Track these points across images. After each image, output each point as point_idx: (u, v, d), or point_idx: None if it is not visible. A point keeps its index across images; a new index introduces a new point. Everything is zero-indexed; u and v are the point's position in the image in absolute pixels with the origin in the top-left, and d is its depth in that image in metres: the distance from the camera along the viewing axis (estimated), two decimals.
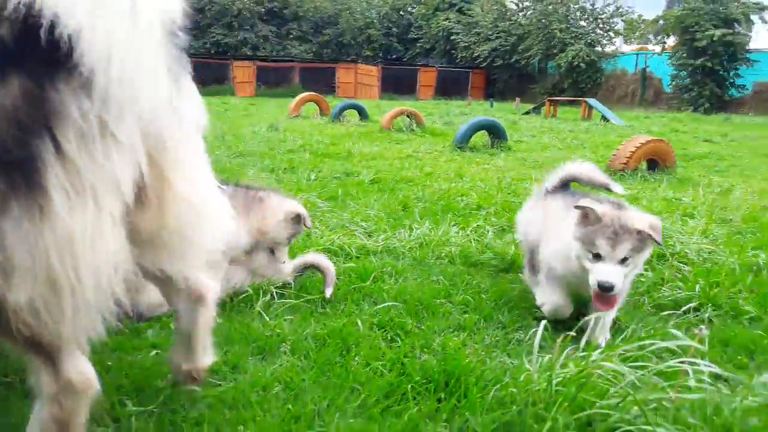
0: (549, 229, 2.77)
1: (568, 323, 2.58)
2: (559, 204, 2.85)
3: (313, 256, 3.11)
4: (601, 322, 2.46)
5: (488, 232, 4.12)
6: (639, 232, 2.29)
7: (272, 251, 3.03)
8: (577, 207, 2.43)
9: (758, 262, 3.48)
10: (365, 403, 1.90)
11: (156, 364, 2.03)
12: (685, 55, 28.06)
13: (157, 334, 2.33)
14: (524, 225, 3.11)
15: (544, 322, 2.08)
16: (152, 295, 2.37)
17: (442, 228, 4.17)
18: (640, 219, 2.35)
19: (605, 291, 2.31)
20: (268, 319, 2.54)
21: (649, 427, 1.55)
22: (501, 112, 21.96)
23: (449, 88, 38.18)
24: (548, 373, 1.81)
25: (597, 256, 2.34)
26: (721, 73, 27.55)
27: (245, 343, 2.31)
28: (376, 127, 13.27)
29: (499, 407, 1.84)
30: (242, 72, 35.28)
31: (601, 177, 3.11)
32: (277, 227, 2.98)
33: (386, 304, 2.77)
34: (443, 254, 3.72)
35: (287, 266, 3.03)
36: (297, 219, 3.07)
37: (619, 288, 2.32)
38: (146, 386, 1.90)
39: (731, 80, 27.93)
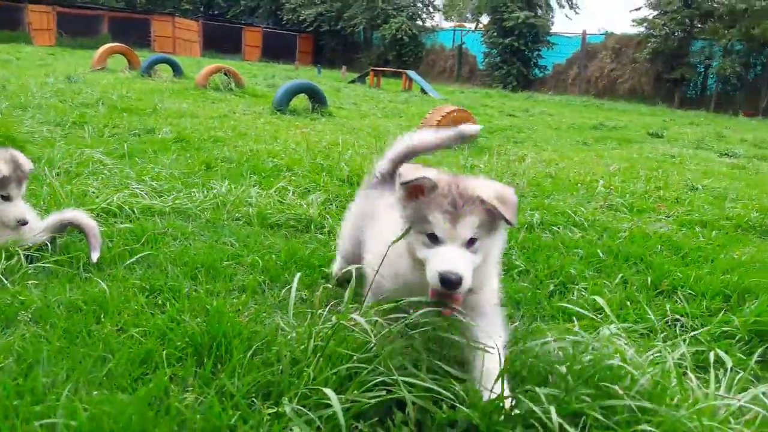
0: (375, 229, 2.09)
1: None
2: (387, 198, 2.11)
3: (71, 213, 2.75)
4: (486, 365, 1.64)
5: (290, 192, 4.01)
6: (482, 201, 1.68)
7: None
8: (403, 183, 1.75)
9: (532, 221, 3.80)
10: (112, 372, 1.70)
11: None
12: (495, 34, 30.15)
13: None
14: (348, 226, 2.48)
15: (297, 276, 2.02)
16: None
17: (242, 188, 3.99)
18: (485, 187, 1.74)
19: (448, 286, 1.60)
20: (7, 284, 2.19)
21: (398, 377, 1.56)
22: (327, 79, 21.94)
23: (277, 50, 37.18)
24: (309, 330, 1.76)
25: (433, 238, 1.68)
26: (526, 53, 30.09)
27: None
28: (191, 84, 12.49)
29: (263, 368, 1.75)
30: (39, 18, 30.97)
31: (445, 132, 2.36)
32: None
33: (132, 259, 2.55)
34: (240, 215, 3.56)
35: (36, 224, 2.65)
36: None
37: (468, 282, 1.62)
38: None
39: (534, 60, 30.64)
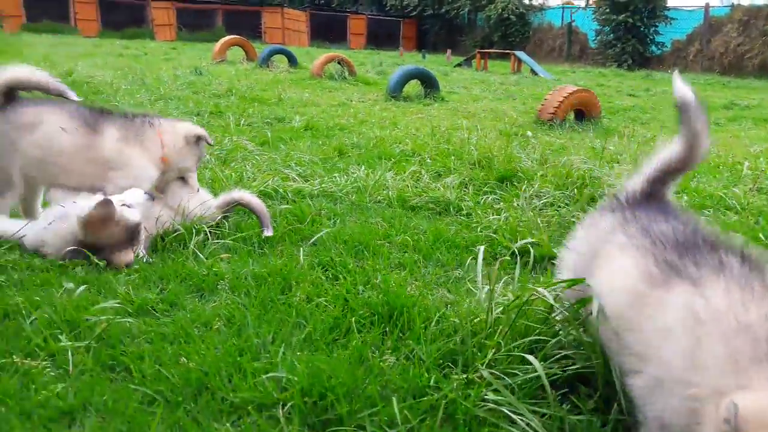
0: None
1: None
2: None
3: (239, 193, 3.02)
4: None
5: (424, 176, 4.14)
6: None
7: (183, 181, 2.93)
8: None
9: (681, 204, 3.68)
10: (310, 336, 1.90)
11: (87, 300, 1.94)
12: (608, 10, 28.70)
13: (86, 271, 2.22)
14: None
15: (482, 249, 2.12)
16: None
17: (378, 173, 4.17)
18: None
19: None
20: (204, 258, 2.47)
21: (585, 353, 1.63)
22: (433, 64, 21.91)
23: (381, 37, 37.57)
24: (488, 303, 1.86)
25: None
26: (642, 29, 28.43)
27: (181, 281, 2.24)
28: (306, 74, 12.96)
29: (443, 338, 1.88)
30: (161, 14, 33.19)
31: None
32: (180, 152, 2.86)
33: (320, 234, 2.75)
34: (380, 198, 3.73)
35: (212, 201, 2.94)
36: (197, 140, 2.94)
37: None
38: (80, 322, 1.81)
39: (651, 37, 28.91)
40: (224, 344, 1.79)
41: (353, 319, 1.97)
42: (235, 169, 4.00)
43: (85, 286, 2.02)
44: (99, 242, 2.29)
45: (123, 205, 2.38)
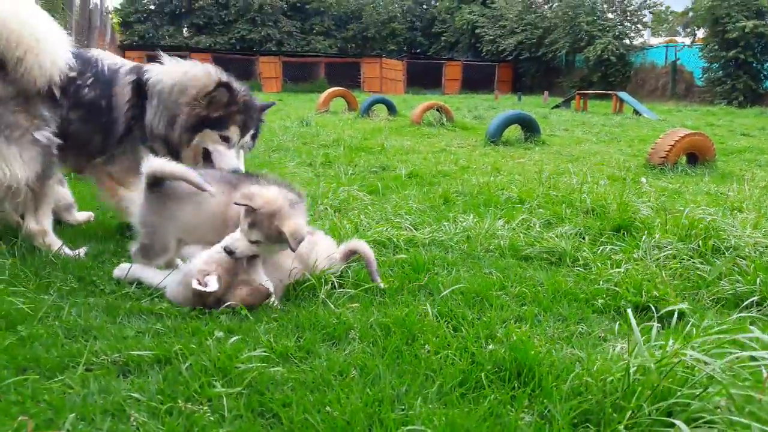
0: None
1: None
2: None
3: (356, 243, 3.15)
4: None
5: (535, 225, 4.12)
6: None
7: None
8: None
9: None
10: (441, 389, 1.94)
11: (235, 349, 2.09)
12: (716, 47, 27.53)
13: (230, 320, 2.39)
14: None
15: (630, 312, 2.09)
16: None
17: (487, 221, 4.20)
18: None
19: None
20: (333, 307, 2.59)
21: (735, 418, 1.56)
22: (529, 106, 21.81)
23: (476, 81, 37.99)
24: (624, 362, 1.83)
25: None
26: (754, 65, 26.99)
27: (315, 330, 2.36)
28: (406, 122, 13.30)
29: (575, 397, 1.86)
30: (268, 67, 35.48)
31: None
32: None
33: (448, 290, 2.80)
34: (492, 247, 3.75)
35: (336, 253, 3.07)
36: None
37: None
38: (230, 369, 1.96)
39: (765, 73, 27.34)
40: (361, 394, 1.87)
41: (482, 374, 2.00)
42: (350, 219, 4.17)
43: (237, 337, 2.17)
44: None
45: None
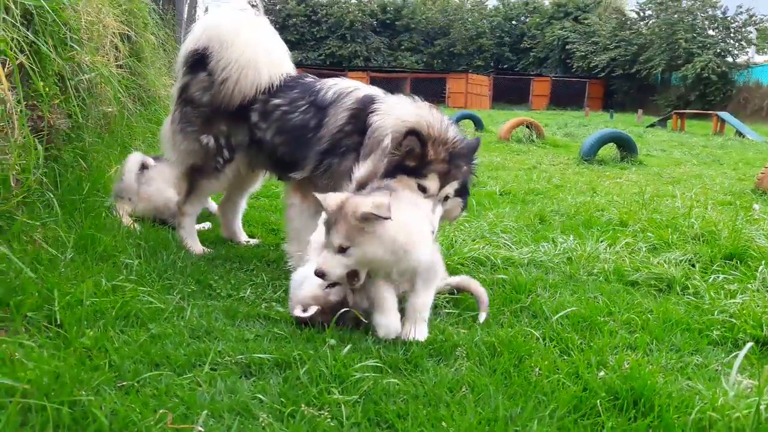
0: None
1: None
2: None
3: (467, 280, 3.09)
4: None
5: (641, 249, 3.99)
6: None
7: None
8: None
9: None
10: (554, 413, 1.92)
11: (349, 357, 2.16)
12: None
13: (341, 329, 2.47)
14: None
15: (749, 345, 2.00)
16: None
17: (589, 243, 4.10)
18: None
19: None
20: (441, 324, 2.62)
21: None
22: (622, 124, 21.08)
23: (564, 98, 37.19)
24: (755, 399, 1.75)
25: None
26: None
27: (421, 345, 2.40)
28: (494, 138, 13.19)
29: (695, 429, 1.80)
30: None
31: None
32: None
33: (557, 316, 2.77)
34: (595, 270, 3.65)
35: (451, 280, 3.08)
36: None
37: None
38: (345, 377, 2.02)
39: None
40: (474, 412, 1.88)
41: (597, 401, 1.96)
42: (446, 236, 4.19)
43: (349, 346, 2.25)
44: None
45: None
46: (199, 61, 3.57)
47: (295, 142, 3.39)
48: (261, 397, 1.91)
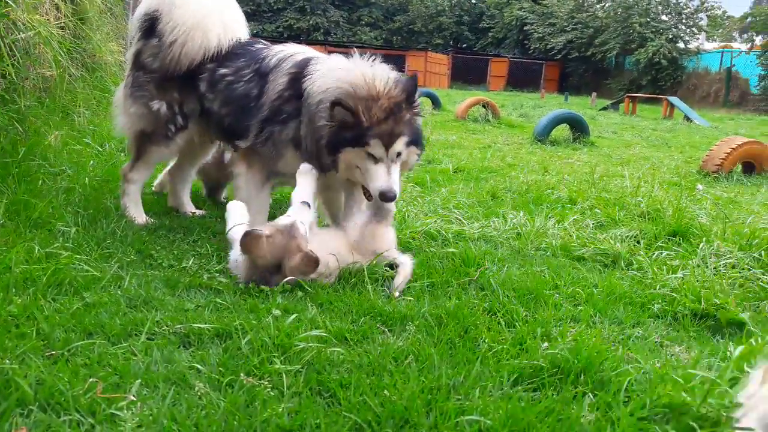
0: None
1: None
2: None
3: (403, 257, 3.03)
4: None
5: (588, 225, 4.05)
6: None
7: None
8: None
9: None
10: (498, 383, 1.92)
11: (293, 327, 2.12)
12: None
13: (286, 299, 2.42)
14: None
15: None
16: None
17: (538, 219, 4.14)
18: None
19: None
20: (388, 296, 2.60)
21: None
22: (576, 107, 21.40)
23: (521, 79, 37.51)
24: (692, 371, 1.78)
25: None
26: None
27: (368, 315, 2.37)
28: (450, 116, 13.22)
29: (637, 397, 1.83)
30: None
31: None
32: None
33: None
34: (543, 245, 3.69)
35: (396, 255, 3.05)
36: None
37: None
38: (289, 347, 1.98)
39: None
40: (418, 381, 1.87)
41: (543, 371, 1.97)
42: (398, 210, 4.16)
43: (294, 315, 2.20)
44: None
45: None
46: (151, 26, 3.44)
47: (240, 111, 3.29)
48: (199, 367, 1.85)
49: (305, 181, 2.95)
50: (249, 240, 2.48)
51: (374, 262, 2.91)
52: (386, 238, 3.06)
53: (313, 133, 3.02)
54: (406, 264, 2.97)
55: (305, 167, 3.01)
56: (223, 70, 3.37)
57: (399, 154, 2.96)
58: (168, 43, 3.35)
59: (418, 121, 3.10)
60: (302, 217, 2.67)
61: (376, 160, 2.91)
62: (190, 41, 3.33)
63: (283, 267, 2.50)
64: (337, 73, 3.03)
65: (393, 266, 2.98)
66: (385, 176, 2.90)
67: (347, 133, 2.87)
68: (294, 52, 3.31)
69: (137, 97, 3.51)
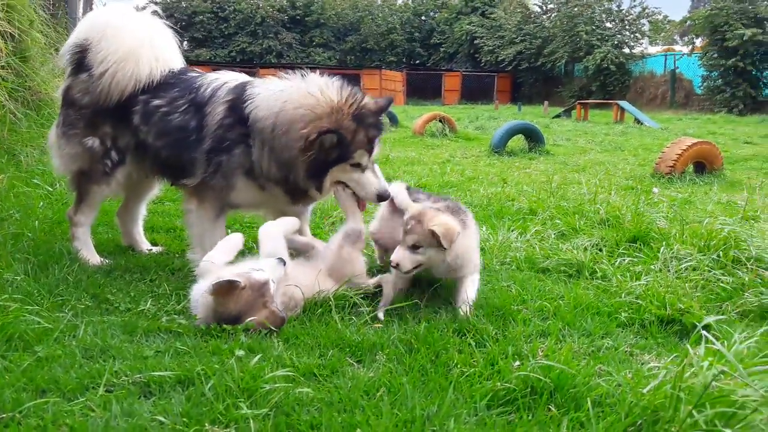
0: None
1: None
2: None
3: (387, 277, 3.00)
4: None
5: (550, 236, 4.08)
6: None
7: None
8: None
9: None
10: (473, 409, 1.89)
11: (258, 368, 2.04)
12: (715, 55, 27.61)
13: (250, 338, 2.34)
14: None
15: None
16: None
17: (501, 233, 4.15)
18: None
19: None
20: (356, 325, 2.54)
21: None
22: (530, 116, 21.82)
23: (475, 92, 38.09)
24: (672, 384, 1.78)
25: None
26: (754, 73, 27.04)
27: (337, 347, 2.31)
28: (408, 133, 13.29)
29: (612, 414, 1.82)
30: None
31: None
32: None
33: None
34: (507, 259, 3.70)
35: (371, 280, 3.00)
36: None
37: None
38: (255, 389, 1.91)
39: (765, 81, 27.39)
40: (391, 415, 1.82)
41: (516, 393, 1.95)
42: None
43: (258, 356, 2.12)
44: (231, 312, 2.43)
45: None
46: (80, 59, 3.34)
47: (178, 144, 3.19)
48: (161, 418, 1.77)
49: (276, 240, 2.84)
50: (223, 288, 2.40)
51: (343, 287, 2.86)
52: (360, 261, 3.00)
53: (279, 160, 2.97)
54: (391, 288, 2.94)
55: (269, 229, 2.92)
56: (156, 101, 3.24)
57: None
58: (98, 75, 3.23)
59: (381, 124, 3.11)
60: (276, 274, 2.58)
61: (362, 168, 2.97)
62: (120, 71, 3.21)
63: (241, 319, 2.41)
64: (280, 95, 3.00)
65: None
66: (375, 180, 3.03)
67: (332, 155, 2.90)
68: (229, 79, 3.24)
69: (70, 136, 3.38)
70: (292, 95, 2.97)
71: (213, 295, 2.40)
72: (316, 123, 2.86)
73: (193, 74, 3.39)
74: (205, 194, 3.16)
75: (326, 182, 3.00)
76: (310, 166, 2.92)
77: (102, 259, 3.42)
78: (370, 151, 2.99)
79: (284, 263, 2.68)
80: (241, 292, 2.42)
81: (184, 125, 3.17)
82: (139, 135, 3.30)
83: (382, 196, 3.04)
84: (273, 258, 2.67)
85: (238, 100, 3.07)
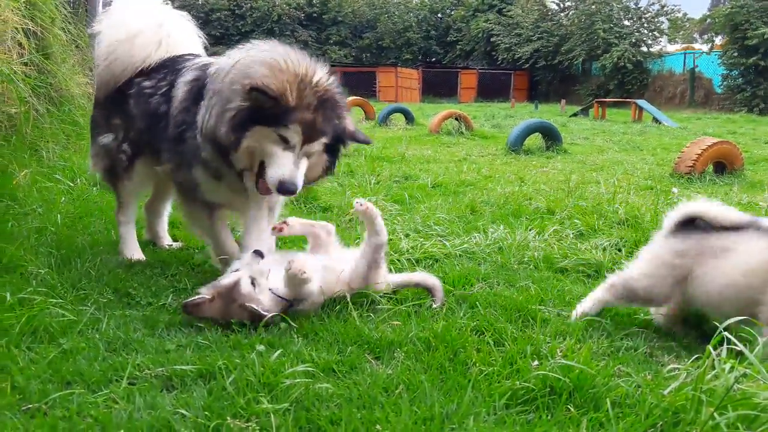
0: None
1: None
2: None
3: (420, 276, 3.03)
4: None
5: (568, 236, 4.06)
6: None
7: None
8: None
9: None
10: (491, 407, 1.89)
11: (279, 363, 2.06)
12: (736, 54, 27.26)
13: (270, 333, 2.36)
14: None
15: None
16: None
17: (518, 232, 4.14)
18: None
19: None
20: (374, 322, 2.56)
21: None
22: (546, 114, 21.70)
23: (490, 90, 37.93)
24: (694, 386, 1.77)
25: None
26: None
27: (356, 344, 2.33)
28: (424, 131, 13.26)
29: (632, 415, 1.81)
30: None
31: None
32: None
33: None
34: (526, 259, 3.68)
35: (392, 278, 3.00)
36: None
37: None
38: (276, 384, 1.92)
39: None
40: (410, 412, 1.82)
41: (532, 393, 1.95)
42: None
43: (279, 351, 2.14)
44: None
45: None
46: None
47: (151, 130, 3.07)
48: (183, 411, 1.79)
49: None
50: (191, 309, 2.45)
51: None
52: (381, 275, 2.97)
53: (219, 108, 2.62)
54: (434, 282, 2.95)
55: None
56: (146, 83, 3.14)
57: (310, 156, 2.68)
58: (99, 64, 3.26)
59: (341, 128, 2.73)
60: (252, 270, 2.54)
61: (287, 146, 2.59)
62: (113, 54, 3.19)
63: (229, 320, 2.44)
64: (253, 52, 2.74)
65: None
66: (291, 165, 2.58)
67: (265, 110, 2.53)
68: (212, 60, 3.02)
69: (93, 136, 3.43)
70: (260, 54, 2.70)
71: (186, 315, 2.45)
72: (271, 79, 2.54)
73: (189, 57, 3.21)
74: (180, 191, 3.11)
75: (245, 140, 2.58)
76: (236, 114, 2.57)
77: (142, 256, 3.41)
78: (308, 139, 2.60)
79: (261, 255, 2.61)
80: (210, 304, 2.45)
81: (156, 108, 3.03)
82: (136, 121, 3.20)
83: (283, 185, 2.57)
84: (248, 253, 2.68)
85: (200, 78, 2.84)
